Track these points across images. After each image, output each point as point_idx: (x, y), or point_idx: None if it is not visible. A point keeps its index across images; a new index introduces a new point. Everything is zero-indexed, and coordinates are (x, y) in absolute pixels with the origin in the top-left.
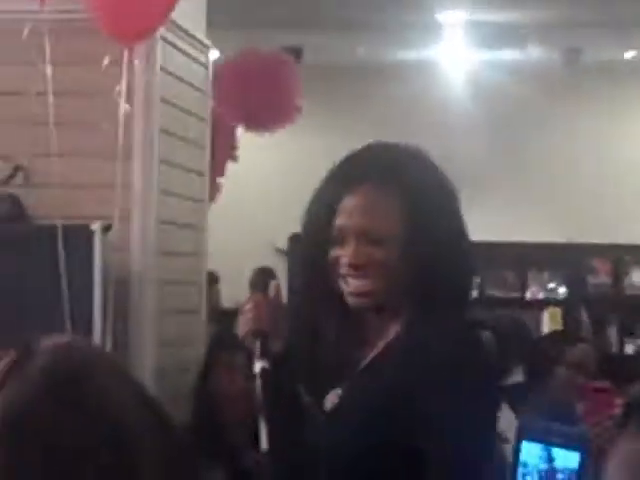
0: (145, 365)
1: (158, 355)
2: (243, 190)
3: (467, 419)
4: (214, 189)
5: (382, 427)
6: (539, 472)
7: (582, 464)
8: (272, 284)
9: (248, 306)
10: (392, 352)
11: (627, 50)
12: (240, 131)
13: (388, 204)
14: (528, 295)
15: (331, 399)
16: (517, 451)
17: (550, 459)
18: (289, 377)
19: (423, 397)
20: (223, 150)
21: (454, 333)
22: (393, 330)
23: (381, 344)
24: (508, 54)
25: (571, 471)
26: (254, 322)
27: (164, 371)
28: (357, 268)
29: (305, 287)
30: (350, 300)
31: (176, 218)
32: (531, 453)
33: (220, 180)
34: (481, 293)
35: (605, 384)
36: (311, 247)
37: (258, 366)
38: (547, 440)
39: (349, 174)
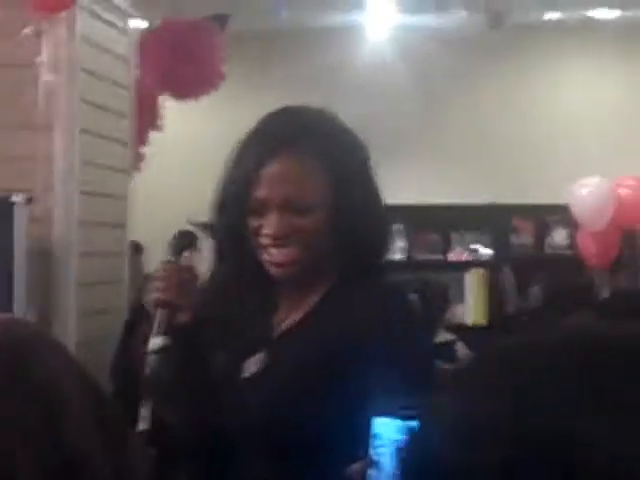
0: (68, 336)
1: (81, 326)
2: (170, 159)
3: (410, 369)
4: (138, 158)
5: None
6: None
7: None
8: (184, 255)
9: (157, 274)
10: (316, 316)
11: (549, 11)
12: (164, 99)
13: (309, 171)
14: (452, 257)
15: (252, 365)
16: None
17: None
18: (193, 350)
19: (361, 347)
20: (147, 119)
21: (379, 295)
22: (314, 297)
23: (300, 311)
24: (432, 18)
25: None
26: (161, 292)
27: (87, 341)
28: (280, 238)
29: (224, 257)
30: (273, 270)
31: (98, 188)
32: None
33: (144, 149)
34: (407, 256)
35: None
36: (230, 217)
37: (155, 342)
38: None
39: (265, 141)
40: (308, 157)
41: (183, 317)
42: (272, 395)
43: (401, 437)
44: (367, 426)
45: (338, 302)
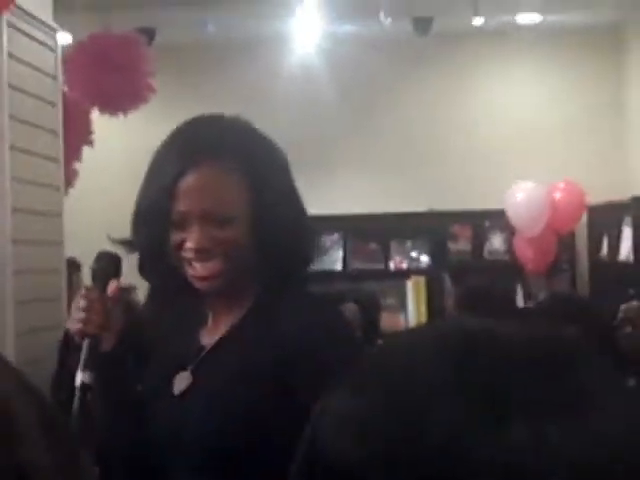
0: (6, 354)
1: (19, 344)
2: (106, 173)
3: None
4: (70, 175)
5: (250, 401)
6: None
7: None
8: (111, 284)
9: (80, 304)
10: (240, 331)
11: (474, 17)
12: (94, 115)
13: (229, 182)
14: (392, 265)
15: (179, 382)
16: None
17: None
18: (116, 377)
19: (291, 359)
20: (78, 135)
21: (303, 306)
22: (240, 310)
23: (228, 324)
24: (361, 26)
25: None
26: (83, 323)
27: (26, 359)
28: (203, 252)
29: (147, 273)
30: (198, 284)
31: (31, 205)
32: None
33: (76, 165)
34: (344, 266)
35: None
36: (151, 231)
37: (79, 378)
38: None
39: (182, 152)
40: (227, 167)
41: (107, 345)
42: (196, 412)
43: None
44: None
45: (262, 315)
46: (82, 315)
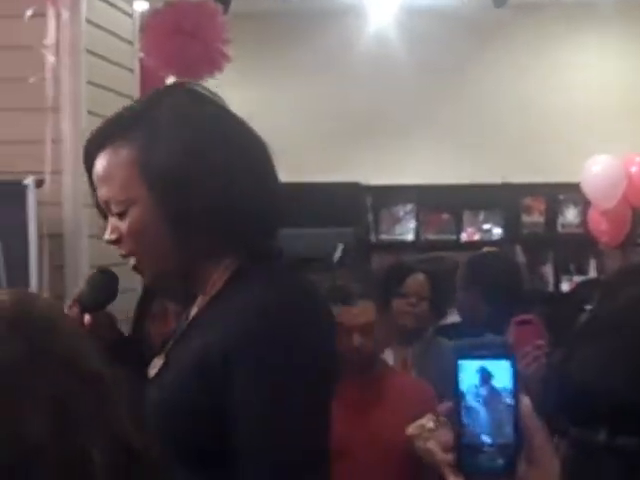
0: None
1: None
2: None
3: (281, 378)
4: None
5: (193, 385)
6: (479, 398)
7: (514, 374)
8: (86, 317)
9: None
10: (204, 313)
11: None
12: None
13: (120, 168)
14: (464, 237)
15: (154, 366)
16: (455, 377)
17: (486, 377)
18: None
19: (235, 356)
20: None
21: (256, 288)
22: (213, 291)
23: (195, 309)
24: None
25: (509, 391)
26: None
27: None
28: (114, 244)
29: None
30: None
31: None
32: (468, 376)
33: None
34: (417, 237)
35: (529, 316)
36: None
37: None
38: (479, 354)
39: (90, 140)
40: (123, 153)
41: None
42: (156, 396)
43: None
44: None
45: (222, 297)
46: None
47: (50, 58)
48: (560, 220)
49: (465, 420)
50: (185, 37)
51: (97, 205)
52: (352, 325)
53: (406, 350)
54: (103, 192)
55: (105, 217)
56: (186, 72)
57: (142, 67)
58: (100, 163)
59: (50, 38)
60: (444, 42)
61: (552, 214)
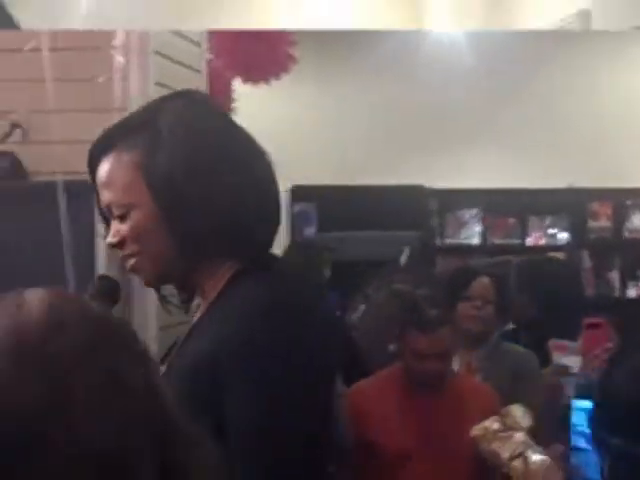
0: (149, 321)
1: (162, 311)
2: None
3: (278, 381)
4: None
5: (189, 390)
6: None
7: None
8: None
9: None
10: (203, 321)
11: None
12: (237, 83)
13: (123, 172)
14: (529, 241)
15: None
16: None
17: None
18: None
19: (225, 365)
20: (220, 102)
21: (245, 298)
22: (214, 291)
23: (204, 308)
24: None
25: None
26: None
27: (168, 328)
28: (116, 247)
29: None
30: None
31: None
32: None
33: None
34: (483, 241)
35: (599, 319)
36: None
37: None
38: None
39: (94, 144)
40: (127, 156)
41: None
42: None
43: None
44: None
45: (219, 305)
46: None
47: (119, 59)
48: (627, 225)
49: None
50: (252, 38)
51: (100, 210)
52: (429, 353)
53: (470, 354)
54: (105, 196)
55: (107, 223)
56: (253, 74)
57: (209, 68)
58: (103, 168)
59: (119, 39)
60: (514, 48)
61: (619, 219)
